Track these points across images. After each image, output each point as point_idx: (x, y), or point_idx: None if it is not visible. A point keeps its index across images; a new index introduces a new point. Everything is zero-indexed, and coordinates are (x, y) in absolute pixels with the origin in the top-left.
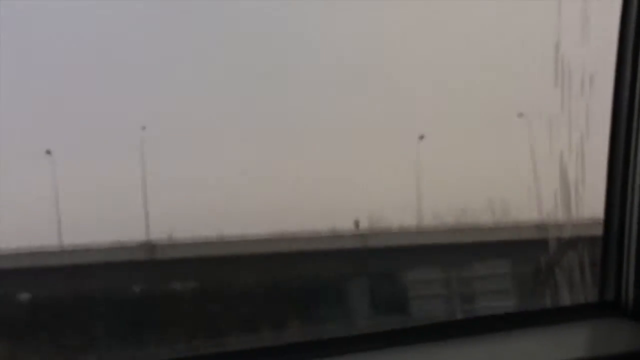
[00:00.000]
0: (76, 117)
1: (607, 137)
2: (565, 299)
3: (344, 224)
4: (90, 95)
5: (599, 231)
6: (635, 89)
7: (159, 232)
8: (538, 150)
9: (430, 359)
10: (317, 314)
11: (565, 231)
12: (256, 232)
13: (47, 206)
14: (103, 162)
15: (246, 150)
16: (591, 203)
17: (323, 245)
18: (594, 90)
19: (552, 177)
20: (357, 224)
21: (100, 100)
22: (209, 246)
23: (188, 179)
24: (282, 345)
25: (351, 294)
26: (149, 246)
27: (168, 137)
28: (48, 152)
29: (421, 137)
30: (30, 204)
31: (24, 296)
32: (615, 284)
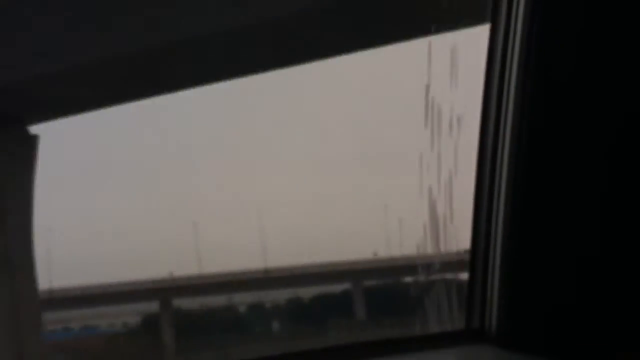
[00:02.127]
0: None
1: (474, 173)
2: (435, 327)
3: None
4: None
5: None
6: (499, 129)
7: None
8: (410, 187)
9: None
10: None
11: (433, 262)
12: None
13: None
14: None
15: None
16: (459, 236)
17: None
18: (462, 130)
19: (422, 212)
20: None
21: None
22: None
23: None
24: None
25: None
26: None
27: None
28: None
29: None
30: None
31: None
32: (480, 312)
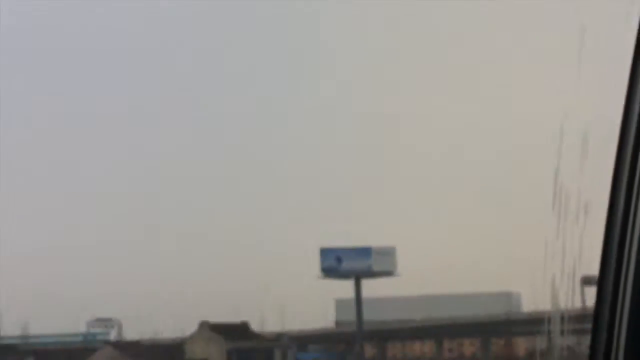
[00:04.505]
0: None
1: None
2: None
3: None
4: None
5: None
6: (628, 217)
7: None
8: (534, 273)
9: None
10: None
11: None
12: None
13: None
14: None
15: None
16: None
17: None
18: (589, 218)
19: (546, 298)
20: None
21: None
22: None
23: None
24: None
25: None
26: None
27: None
28: None
29: None
30: None
31: None
32: None
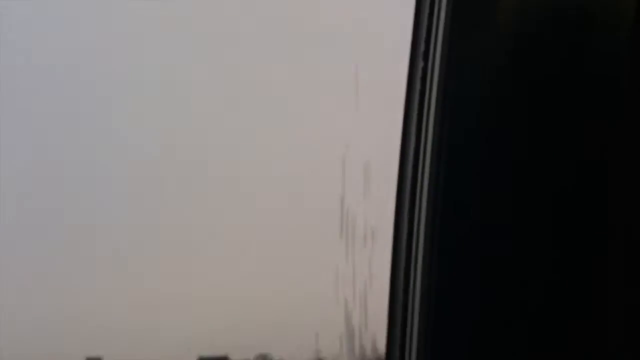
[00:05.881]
0: None
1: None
2: None
3: None
4: None
5: None
6: (412, 243)
7: None
8: (325, 298)
9: None
10: None
11: None
12: None
13: None
14: None
15: None
16: (374, 347)
17: None
18: (376, 242)
19: (338, 323)
20: None
21: None
22: None
23: None
24: None
25: None
26: None
27: None
28: None
29: None
30: None
31: None
32: None
